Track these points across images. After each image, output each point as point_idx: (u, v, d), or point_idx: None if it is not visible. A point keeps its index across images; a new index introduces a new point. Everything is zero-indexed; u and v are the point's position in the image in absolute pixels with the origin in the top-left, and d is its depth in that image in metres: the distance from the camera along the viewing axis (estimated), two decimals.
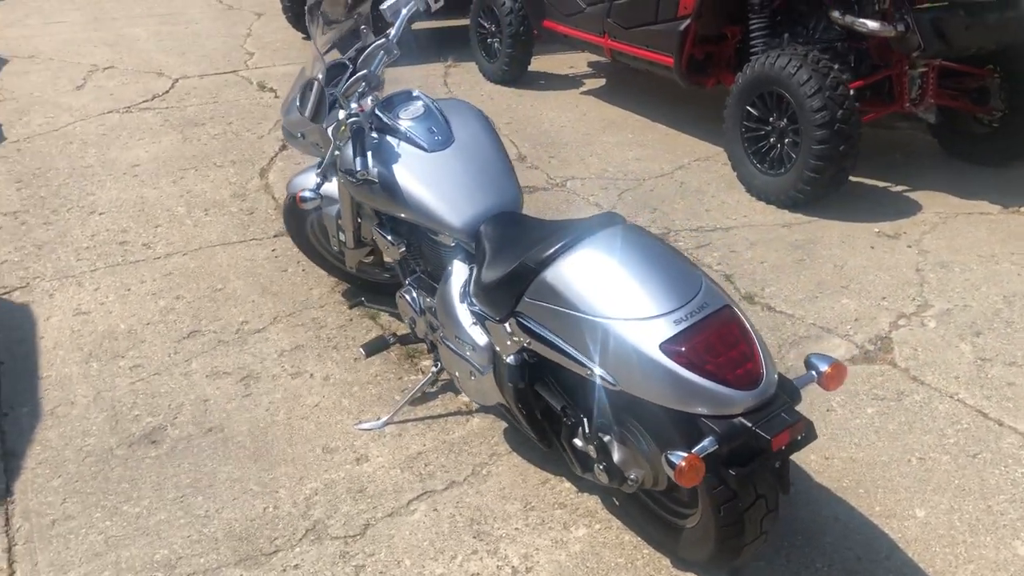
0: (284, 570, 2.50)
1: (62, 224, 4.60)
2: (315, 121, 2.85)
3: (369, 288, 3.77)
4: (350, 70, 3.09)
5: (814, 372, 2.13)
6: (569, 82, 6.90)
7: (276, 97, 6.58)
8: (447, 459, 2.90)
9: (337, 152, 2.83)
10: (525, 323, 2.31)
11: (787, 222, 4.48)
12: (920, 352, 3.40)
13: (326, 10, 3.06)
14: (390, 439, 3.00)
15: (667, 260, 2.21)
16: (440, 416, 3.10)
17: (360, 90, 2.87)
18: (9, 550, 2.58)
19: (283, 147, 5.53)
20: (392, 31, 3.01)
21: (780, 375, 2.11)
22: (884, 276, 3.95)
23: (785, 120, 4.51)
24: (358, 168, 2.66)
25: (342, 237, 3.33)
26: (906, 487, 2.75)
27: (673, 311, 2.07)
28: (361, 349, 3.12)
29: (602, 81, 6.89)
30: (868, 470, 2.82)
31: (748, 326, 2.10)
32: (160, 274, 4.08)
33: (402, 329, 3.42)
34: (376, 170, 2.78)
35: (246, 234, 4.44)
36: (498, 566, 2.49)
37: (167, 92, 6.69)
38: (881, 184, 4.89)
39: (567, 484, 2.77)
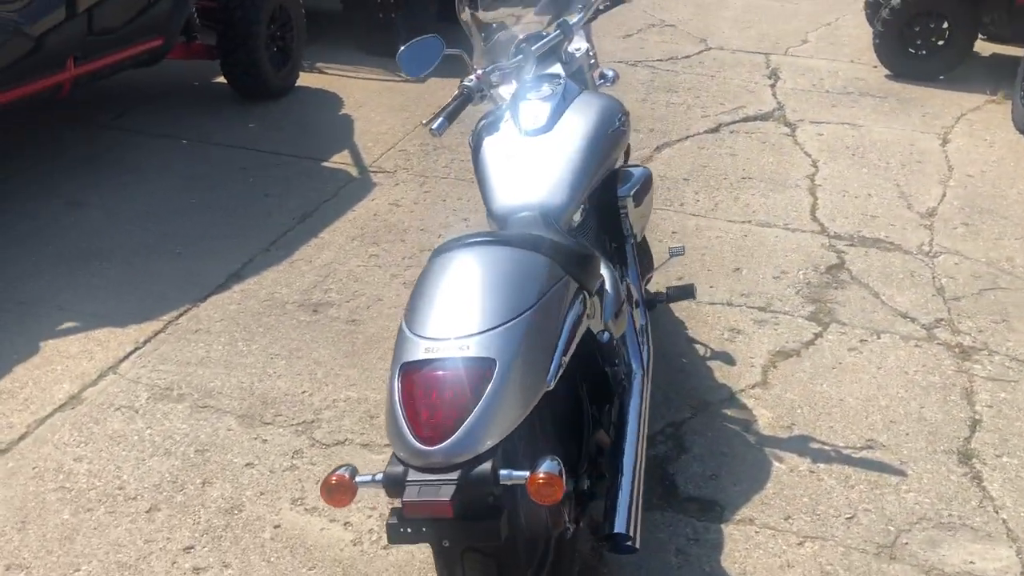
0: (256, 439, 2.90)
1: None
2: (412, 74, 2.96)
3: None
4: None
5: (527, 472, 1.77)
6: None
7: (773, 87, 6.42)
8: None
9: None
10: None
11: None
12: None
13: None
14: None
15: (494, 295, 1.98)
16: None
17: (515, 63, 2.91)
18: (151, 339, 3.40)
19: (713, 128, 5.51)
20: (576, 17, 2.96)
21: (494, 460, 1.79)
22: None
23: None
24: (434, 125, 2.76)
25: None
26: None
27: (436, 339, 1.90)
28: None
29: None
30: None
31: (495, 391, 1.81)
32: None
33: None
34: (480, 136, 2.85)
35: None
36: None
37: (689, 56, 6.97)
38: None
39: None
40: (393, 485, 1.81)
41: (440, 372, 1.85)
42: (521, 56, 2.90)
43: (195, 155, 4.94)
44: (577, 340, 2.11)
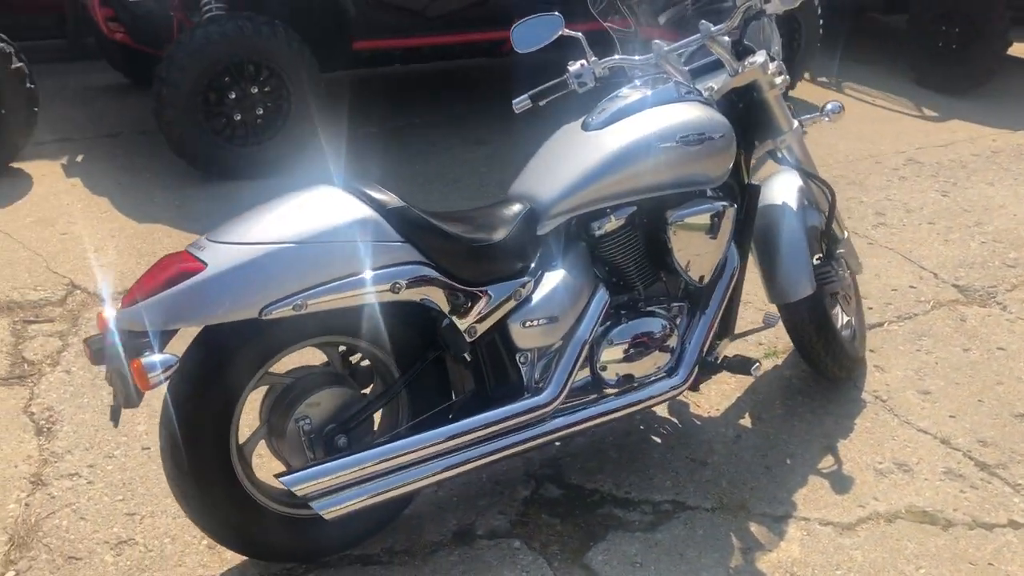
0: None
1: None
2: None
3: None
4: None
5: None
6: None
7: None
8: None
9: None
10: None
11: None
12: None
13: None
14: None
15: (270, 221, 2.05)
16: None
17: (643, 60, 2.65)
18: None
19: None
20: (722, 24, 2.52)
21: (148, 342, 1.92)
22: None
23: None
24: (515, 99, 2.66)
25: None
26: None
27: (206, 238, 2.05)
28: None
29: None
30: None
31: (182, 290, 1.92)
32: None
33: None
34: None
35: None
36: None
37: None
38: None
39: None
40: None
41: (171, 260, 2.04)
42: (653, 55, 2.63)
43: None
44: (364, 299, 2.06)
